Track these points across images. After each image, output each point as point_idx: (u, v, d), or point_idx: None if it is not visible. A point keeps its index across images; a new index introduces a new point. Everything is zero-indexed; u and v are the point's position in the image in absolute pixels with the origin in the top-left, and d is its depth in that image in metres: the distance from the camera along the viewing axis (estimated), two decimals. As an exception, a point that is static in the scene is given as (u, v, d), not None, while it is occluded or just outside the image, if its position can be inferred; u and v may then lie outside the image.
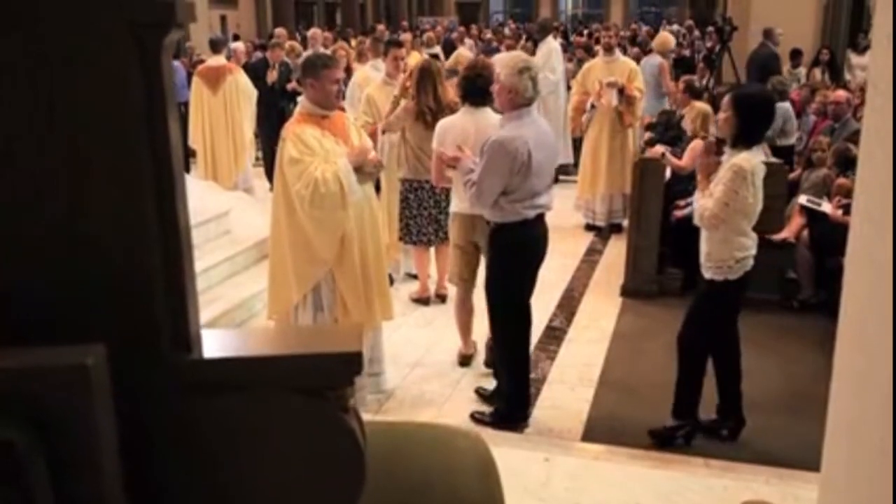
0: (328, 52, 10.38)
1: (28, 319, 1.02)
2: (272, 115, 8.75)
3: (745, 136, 3.65)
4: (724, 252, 3.73)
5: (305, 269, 4.04)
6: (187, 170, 9.12)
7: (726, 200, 3.60)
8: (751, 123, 3.65)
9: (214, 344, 1.12)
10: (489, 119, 4.51)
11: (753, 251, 3.78)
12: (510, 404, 4.22)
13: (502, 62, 3.99)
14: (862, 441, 1.22)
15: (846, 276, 1.30)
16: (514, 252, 4.01)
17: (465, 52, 8.99)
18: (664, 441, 3.96)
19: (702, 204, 3.72)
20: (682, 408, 4.00)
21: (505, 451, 3.16)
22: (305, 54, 11.64)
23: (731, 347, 3.99)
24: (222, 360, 1.10)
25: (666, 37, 10.21)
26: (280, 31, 13.19)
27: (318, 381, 1.11)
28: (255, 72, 9.24)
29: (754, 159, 3.65)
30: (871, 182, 1.17)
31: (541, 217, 4.04)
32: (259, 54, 12.74)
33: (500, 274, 4.06)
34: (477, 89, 4.53)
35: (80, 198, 1.04)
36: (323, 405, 1.12)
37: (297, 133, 3.95)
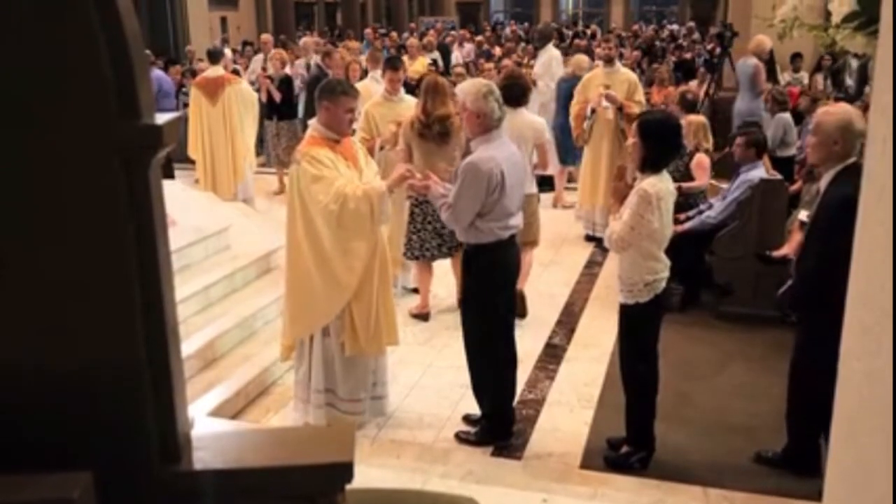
0: (329, 58, 10.34)
1: (12, 443, 1.02)
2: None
3: (651, 161, 3.74)
4: (634, 275, 3.81)
5: (334, 296, 4.03)
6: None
7: (632, 224, 3.69)
8: (656, 149, 3.74)
9: (205, 451, 1.11)
10: (524, 117, 5.81)
11: (664, 274, 3.86)
12: (491, 423, 4.28)
13: (465, 90, 4.05)
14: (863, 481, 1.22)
15: (850, 291, 1.30)
16: (491, 274, 4.10)
17: (584, 58, 9.16)
18: (619, 467, 3.98)
19: (611, 227, 3.85)
20: (634, 434, 4.02)
21: (502, 492, 3.17)
22: (298, 63, 11.61)
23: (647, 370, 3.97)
24: (211, 472, 1.09)
25: (762, 39, 10.03)
26: (266, 36, 13.12)
27: (308, 491, 1.10)
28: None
29: (660, 184, 3.73)
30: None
31: (513, 238, 4.19)
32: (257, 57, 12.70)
33: (477, 296, 4.14)
34: (513, 94, 5.50)
35: (66, 313, 1.04)
36: (314, 512, 1.11)
37: (313, 154, 3.96)
